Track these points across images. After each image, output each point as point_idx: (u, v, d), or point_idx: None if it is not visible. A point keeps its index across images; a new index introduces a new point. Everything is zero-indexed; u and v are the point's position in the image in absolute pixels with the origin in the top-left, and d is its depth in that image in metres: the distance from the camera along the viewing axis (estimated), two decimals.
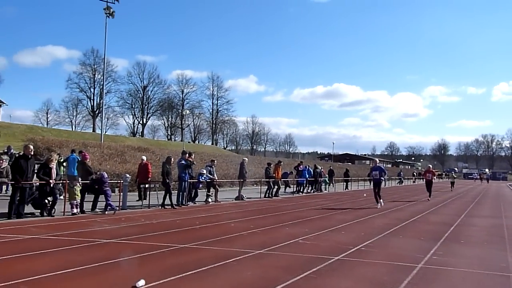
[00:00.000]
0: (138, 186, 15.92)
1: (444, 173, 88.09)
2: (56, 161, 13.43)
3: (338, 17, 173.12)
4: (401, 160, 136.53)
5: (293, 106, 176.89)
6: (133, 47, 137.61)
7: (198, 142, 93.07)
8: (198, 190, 16.71)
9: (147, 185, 15.30)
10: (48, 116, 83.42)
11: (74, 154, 13.21)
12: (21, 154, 11.30)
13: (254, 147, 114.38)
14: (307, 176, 26.09)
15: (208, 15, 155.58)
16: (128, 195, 13.95)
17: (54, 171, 11.06)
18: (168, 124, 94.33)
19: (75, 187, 11.62)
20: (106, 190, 12.11)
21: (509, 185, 62.44)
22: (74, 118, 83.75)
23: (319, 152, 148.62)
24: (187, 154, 15.45)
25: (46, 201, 11.07)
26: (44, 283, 4.95)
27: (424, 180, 24.96)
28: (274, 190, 21.28)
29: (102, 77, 70.23)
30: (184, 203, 14.80)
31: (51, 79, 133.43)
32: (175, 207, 14.01)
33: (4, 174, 12.55)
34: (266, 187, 21.09)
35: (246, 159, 21.82)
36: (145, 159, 16.68)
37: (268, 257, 6.78)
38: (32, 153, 10.80)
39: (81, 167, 12.11)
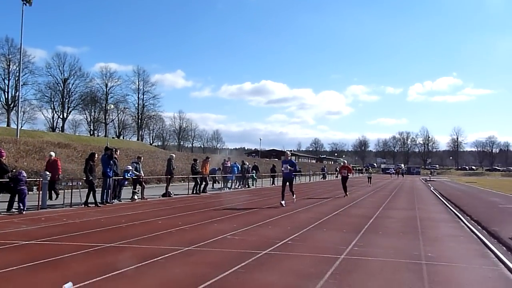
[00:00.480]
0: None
1: (364, 168, 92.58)
2: None
3: (266, 15, 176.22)
4: (325, 156, 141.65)
5: (220, 102, 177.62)
6: (53, 37, 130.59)
7: (123, 138, 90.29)
8: (124, 187, 16.26)
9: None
10: None
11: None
12: None
13: (181, 143, 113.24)
14: (236, 172, 26.30)
15: (134, 7, 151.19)
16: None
17: None
18: (90, 118, 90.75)
19: None
20: (22, 189, 11.43)
21: (422, 179, 67.06)
22: None
23: (246, 148, 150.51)
24: (112, 150, 14.94)
25: None
26: None
27: (340, 176, 24.44)
28: (202, 186, 21.24)
29: (17, 68, 65.93)
30: (108, 200, 14.33)
31: None
32: (99, 205, 13.53)
33: None
34: (193, 183, 21.01)
35: (174, 155, 21.59)
36: (54, 155, 15.72)
37: (197, 254, 6.79)
38: None
39: None
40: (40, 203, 12.41)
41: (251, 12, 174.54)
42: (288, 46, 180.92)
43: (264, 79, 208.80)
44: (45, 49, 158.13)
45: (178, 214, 12.00)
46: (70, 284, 4.74)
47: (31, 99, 79.69)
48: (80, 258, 6.29)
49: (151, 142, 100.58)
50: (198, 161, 22.48)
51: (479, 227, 11.25)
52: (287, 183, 15.37)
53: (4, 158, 11.89)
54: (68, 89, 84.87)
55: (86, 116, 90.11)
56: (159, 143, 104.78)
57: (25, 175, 11.88)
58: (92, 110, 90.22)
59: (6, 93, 74.73)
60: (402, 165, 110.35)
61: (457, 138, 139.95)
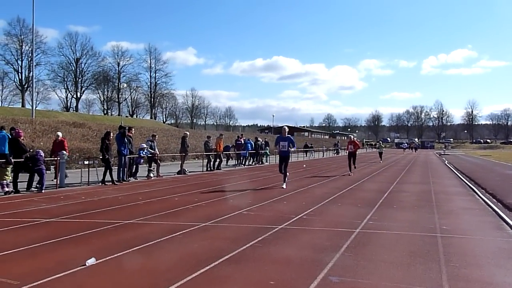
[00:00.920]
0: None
1: (378, 143, 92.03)
2: None
3: None
4: (338, 131, 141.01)
5: (232, 79, 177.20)
6: (64, 17, 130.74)
7: (136, 116, 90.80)
8: (140, 166, 16.47)
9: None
10: None
11: (4, 131, 12.49)
12: None
13: (194, 121, 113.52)
14: (250, 148, 26.39)
15: None
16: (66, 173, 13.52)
17: None
18: (104, 98, 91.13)
19: (7, 167, 11.09)
20: (41, 169, 11.64)
21: (436, 153, 66.59)
22: (0, 93, 78.51)
23: (259, 125, 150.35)
24: (125, 129, 15.06)
25: None
26: None
27: (347, 152, 21.37)
28: (216, 163, 21.41)
29: (30, 49, 66.28)
30: (125, 179, 14.55)
31: None
32: (116, 183, 13.75)
33: None
34: (207, 160, 21.19)
35: (188, 133, 21.73)
36: (61, 135, 15.42)
37: (214, 229, 6.92)
38: None
39: (15, 145, 11.52)
40: (58, 182, 12.66)
41: None
42: (300, 21, 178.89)
43: (276, 55, 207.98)
44: (56, 28, 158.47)
45: (194, 191, 12.16)
46: (93, 259, 4.89)
47: (45, 80, 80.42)
48: (101, 234, 6.45)
49: (164, 120, 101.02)
50: (211, 138, 22.59)
51: (494, 200, 11.22)
52: (284, 162, 13.64)
53: (22, 138, 12.08)
54: (80, 69, 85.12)
55: (99, 96, 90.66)
56: (172, 121, 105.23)
57: (43, 155, 12.07)
58: (105, 89, 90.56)
59: (19, 73, 75.31)
60: (416, 139, 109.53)
61: (472, 111, 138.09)
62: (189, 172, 18.90)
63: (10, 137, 11.71)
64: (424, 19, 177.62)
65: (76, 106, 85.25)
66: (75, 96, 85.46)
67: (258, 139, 28.94)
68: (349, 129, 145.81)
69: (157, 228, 6.92)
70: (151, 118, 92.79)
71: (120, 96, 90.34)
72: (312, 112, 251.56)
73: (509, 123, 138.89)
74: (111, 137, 14.33)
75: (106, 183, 13.52)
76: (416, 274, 4.68)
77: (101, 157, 14.19)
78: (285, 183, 13.40)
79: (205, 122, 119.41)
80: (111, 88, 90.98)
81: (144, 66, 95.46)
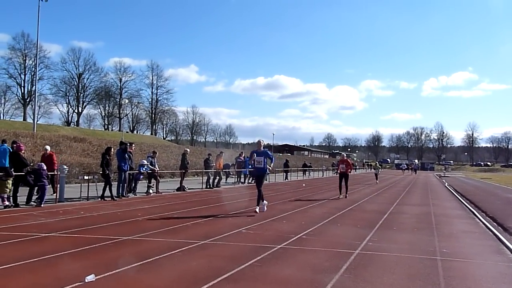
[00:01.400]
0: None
1: (374, 163, 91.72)
2: None
3: (280, 10, 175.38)
4: (337, 151, 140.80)
5: (233, 96, 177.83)
6: (68, 32, 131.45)
7: (137, 132, 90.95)
8: (139, 182, 16.45)
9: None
10: None
11: (5, 144, 12.53)
12: None
13: (195, 138, 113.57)
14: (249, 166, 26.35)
15: (147, 2, 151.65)
16: (66, 187, 13.49)
17: None
18: (105, 113, 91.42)
19: (7, 180, 11.09)
20: (44, 184, 11.64)
21: (436, 174, 66.48)
22: (2, 106, 78.69)
23: None
24: (127, 145, 15.10)
25: None
26: None
27: (337, 172, 18.69)
28: (216, 180, 21.39)
29: (33, 63, 66.86)
30: (124, 194, 14.52)
31: None
32: (115, 199, 13.72)
33: None
34: (207, 177, 21.17)
35: (188, 150, 21.77)
36: (49, 149, 14.77)
37: (213, 247, 6.89)
38: None
39: (16, 158, 11.53)
40: (57, 196, 12.64)
41: (265, 7, 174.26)
42: (301, 40, 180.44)
43: (277, 73, 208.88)
44: (60, 44, 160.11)
45: (193, 208, 12.12)
46: (92, 276, 4.86)
47: (47, 94, 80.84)
48: (99, 250, 6.42)
49: (165, 137, 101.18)
50: (211, 156, 22.62)
51: (495, 223, 11.18)
52: (261, 179, 11.89)
53: (23, 152, 12.09)
54: (82, 84, 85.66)
55: (101, 111, 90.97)
56: (173, 138, 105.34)
57: (45, 168, 12.07)
58: (107, 105, 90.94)
59: (22, 87, 75.93)
60: (416, 160, 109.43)
61: (472, 134, 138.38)
62: (189, 189, 18.86)
63: (11, 150, 11.73)
64: (425, 41, 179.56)
65: (77, 121, 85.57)
66: (76, 110, 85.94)
67: None
68: (349, 149, 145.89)
69: (156, 245, 6.89)
70: (151, 134, 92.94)
71: (121, 111, 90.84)
72: (313, 131, 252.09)
73: (509, 146, 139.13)
74: (112, 153, 14.35)
75: (106, 199, 13.49)
76: None
77: (101, 172, 14.19)
78: (259, 207, 11.50)
79: (205, 139, 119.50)
80: (112, 104, 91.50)
81: (146, 82, 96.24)
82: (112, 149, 14.57)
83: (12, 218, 9.36)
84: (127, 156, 14.59)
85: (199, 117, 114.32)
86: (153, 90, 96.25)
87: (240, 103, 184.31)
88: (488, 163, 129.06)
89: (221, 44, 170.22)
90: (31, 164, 13.49)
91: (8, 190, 11.18)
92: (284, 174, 34.73)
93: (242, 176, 26.11)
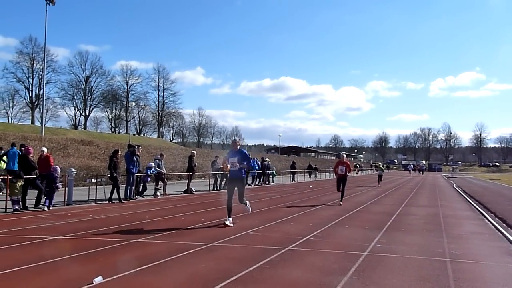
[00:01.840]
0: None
1: (378, 164, 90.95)
2: None
3: (285, 11, 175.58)
4: (344, 152, 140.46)
5: (240, 98, 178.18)
6: (75, 36, 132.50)
7: (144, 135, 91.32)
8: (147, 184, 16.49)
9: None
10: None
11: (15, 148, 12.63)
12: None
13: (201, 140, 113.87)
14: (256, 168, 26.36)
15: (154, 5, 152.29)
16: (74, 190, 13.56)
17: None
18: (112, 116, 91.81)
19: (17, 182, 11.17)
20: (57, 187, 11.73)
21: (443, 175, 66.08)
22: (11, 110, 79.09)
23: (265, 145, 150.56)
24: (135, 147, 15.16)
25: None
26: None
27: (335, 175, 16.17)
28: (223, 182, 21.40)
29: (41, 67, 67.32)
30: (132, 197, 14.57)
31: None
32: (123, 201, 13.77)
33: None
34: (213, 180, 21.21)
35: (195, 152, 21.81)
36: (46, 151, 13.86)
37: (221, 249, 6.89)
38: None
39: (24, 161, 11.61)
40: (66, 199, 12.70)
41: (271, 9, 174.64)
42: (307, 42, 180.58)
43: (283, 75, 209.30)
44: (67, 47, 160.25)
45: (200, 210, 12.14)
46: (100, 278, 4.88)
47: (54, 97, 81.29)
48: (108, 253, 6.44)
49: (171, 139, 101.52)
50: (218, 158, 22.63)
51: (504, 224, 11.09)
52: (236, 187, 9.82)
53: (31, 155, 12.17)
54: (90, 87, 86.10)
55: (108, 114, 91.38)
56: (179, 140, 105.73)
57: (59, 171, 12.13)
58: (113, 108, 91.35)
59: (30, 91, 76.33)
60: (423, 161, 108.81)
61: (480, 134, 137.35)
62: (196, 191, 18.90)
63: (20, 153, 11.81)
64: (432, 42, 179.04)
65: (85, 124, 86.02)
66: (83, 114, 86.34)
67: (265, 159, 28.93)
68: (355, 150, 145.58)
69: (164, 247, 6.90)
70: (158, 136, 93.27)
71: (128, 114, 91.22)
72: (319, 132, 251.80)
73: None
74: (119, 155, 14.41)
75: (113, 201, 13.54)
76: None
77: (108, 175, 14.25)
78: (229, 220, 9.49)
79: (211, 141, 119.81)
80: (119, 107, 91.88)
81: (152, 85, 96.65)
82: (120, 151, 14.63)
83: (21, 221, 9.42)
84: (135, 159, 14.64)
85: (205, 119, 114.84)
86: (159, 93, 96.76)
87: (246, 105, 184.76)
88: (497, 164, 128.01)
89: (227, 46, 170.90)
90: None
91: (18, 192, 11.25)
92: (291, 175, 34.68)
93: (250, 178, 26.11)
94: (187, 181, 19.55)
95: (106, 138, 48.56)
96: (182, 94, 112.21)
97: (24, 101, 77.44)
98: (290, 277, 5.36)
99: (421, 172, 66.56)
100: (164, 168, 17.54)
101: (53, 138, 30.37)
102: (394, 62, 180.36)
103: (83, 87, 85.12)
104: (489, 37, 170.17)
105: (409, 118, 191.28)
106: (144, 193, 15.98)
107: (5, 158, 13.29)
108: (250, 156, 10.98)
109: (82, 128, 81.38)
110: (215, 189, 20.67)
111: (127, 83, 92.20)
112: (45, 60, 45.00)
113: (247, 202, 10.28)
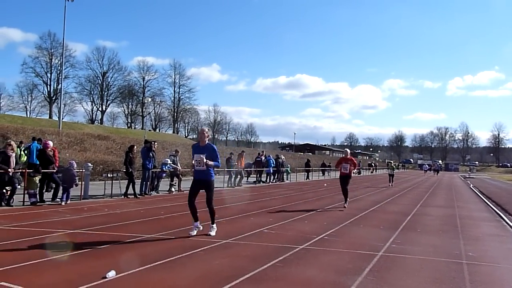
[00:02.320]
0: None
1: (389, 163, 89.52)
2: (17, 148, 13.00)
3: (302, 9, 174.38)
4: (359, 151, 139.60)
5: (255, 95, 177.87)
6: (93, 32, 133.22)
7: (159, 131, 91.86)
8: (162, 180, 16.59)
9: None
10: (1, 101, 79.82)
11: (35, 142, 12.82)
12: None
13: (216, 136, 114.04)
14: (272, 165, 26.34)
15: (171, 1, 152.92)
16: (90, 185, 13.71)
17: (13, 160, 10.70)
18: (128, 111, 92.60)
19: (35, 176, 11.33)
20: (74, 182, 11.87)
21: (460, 176, 65.23)
22: (29, 104, 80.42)
23: (280, 142, 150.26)
24: (151, 143, 15.26)
25: (4, 190, 10.72)
26: (10, 275, 4.84)
27: (339, 173, 13.97)
28: (237, 180, 21.44)
29: (59, 62, 68.40)
30: (147, 192, 14.68)
31: (4, 63, 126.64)
32: (139, 196, 13.88)
33: None
34: (228, 176, 21.24)
35: None
36: (51, 144, 13.64)
37: (235, 247, 6.89)
38: None
39: (42, 155, 11.77)
40: (82, 194, 12.85)
41: (287, 6, 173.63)
42: (324, 39, 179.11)
43: (299, 72, 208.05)
44: (85, 43, 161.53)
45: (215, 207, 12.11)
46: (113, 272, 4.92)
47: (72, 92, 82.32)
48: (122, 248, 6.49)
49: (186, 135, 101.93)
50: (233, 155, 22.67)
51: None
52: (202, 189, 8.14)
53: (49, 149, 12.32)
54: (107, 83, 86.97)
55: (124, 109, 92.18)
56: (194, 136, 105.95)
57: (75, 166, 12.28)
58: (130, 103, 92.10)
59: (48, 86, 77.56)
60: (440, 161, 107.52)
61: (498, 134, 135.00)
62: None
63: (40, 148, 11.98)
64: (450, 40, 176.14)
65: (101, 119, 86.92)
66: (100, 109, 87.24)
67: (280, 156, 28.89)
68: (371, 149, 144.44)
69: (178, 243, 6.94)
70: (173, 132, 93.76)
71: (144, 110, 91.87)
72: (334, 130, 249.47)
73: None
74: (135, 151, 14.51)
75: (129, 196, 13.65)
76: None
77: (124, 170, 14.37)
78: (213, 229, 8.02)
79: (226, 138, 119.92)
80: (135, 102, 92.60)
81: (168, 81, 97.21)
82: (135, 147, 14.73)
83: (39, 214, 9.55)
84: (151, 154, 14.74)
85: (220, 116, 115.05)
86: (175, 89, 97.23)
87: (261, 102, 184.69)
88: None
89: (243, 43, 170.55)
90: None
91: (35, 186, 11.41)
92: (305, 173, 34.57)
93: (266, 175, 26.10)
94: None
95: (122, 133, 48.96)
96: (197, 91, 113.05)
97: (43, 95, 78.77)
98: (304, 276, 5.34)
99: (436, 172, 65.13)
100: (179, 164, 17.62)
101: (70, 132, 30.75)
102: (412, 61, 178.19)
103: (100, 82, 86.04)
104: (508, 36, 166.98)
105: (426, 117, 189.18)
106: (159, 189, 16.09)
107: (25, 152, 13.50)
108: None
109: (98, 123, 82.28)
110: (229, 186, 20.71)
111: (143, 79, 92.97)
112: (64, 56, 45.54)
113: (214, 225, 8.12)
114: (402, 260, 6.45)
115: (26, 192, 11.20)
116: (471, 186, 32.28)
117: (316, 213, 11.74)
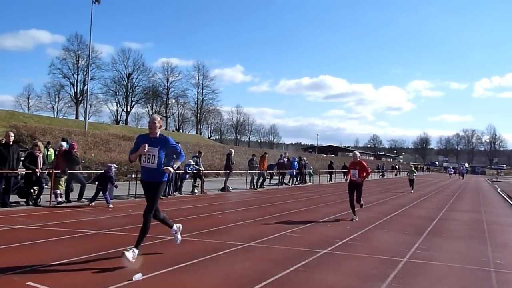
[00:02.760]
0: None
1: (425, 167, 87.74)
2: (45, 149, 13.29)
3: (326, 9, 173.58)
4: (383, 153, 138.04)
5: (278, 96, 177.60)
6: (119, 34, 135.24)
7: (182, 131, 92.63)
8: (184, 181, 16.72)
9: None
10: (29, 101, 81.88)
11: (64, 142, 13.06)
12: (2, 141, 11.17)
13: (239, 137, 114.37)
14: (295, 167, 26.25)
15: (196, 4, 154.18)
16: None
17: (40, 160, 10.94)
18: (152, 112, 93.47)
19: (61, 177, 11.55)
20: (115, 186, 12.03)
21: (487, 179, 63.72)
22: (56, 104, 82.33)
23: (302, 144, 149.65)
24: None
25: (32, 190, 10.97)
26: (36, 275, 4.95)
27: (348, 180, 11.58)
28: (260, 181, 21.43)
29: (85, 63, 69.76)
30: (170, 193, 14.81)
31: (33, 64, 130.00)
32: (162, 197, 14.00)
33: None
34: (250, 178, 21.27)
35: (233, 150, 21.92)
36: (65, 145, 13.21)
37: (257, 250, 6.88)
38: (12, 140, 10.57)
39: (68, 156, 12.00)
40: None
41: (312, 7, 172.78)
42: (348, 40, 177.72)
43: (322, 74, 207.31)
44: (111, 45, 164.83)
45: (237, 209, 12.19)
46: (139, 275, 4.97)
47: (98, 93, 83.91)
48: (147, 249, 6.54)
49: (209, 136, 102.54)
50: (256, 156, 22.69)
51: None
52: (151, 194, 6.16)
53: (75, 150, 12.55)
54: (131, 84, 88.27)
55: (148, 110, 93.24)
56: (217, 137, 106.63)
57: (113, 169, 12.31)
58: (154, 104, 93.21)
59: (75, 87, 79.30)
60: (466, 164, 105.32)
61: None
62: (233, 189, 19.01)
63: (67, 148, 12.21)
64: (477, 41, 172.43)
65: (126, 120, 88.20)
66: (125, 109, 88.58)
67: (302, 158, 28.77)
68: (395, 151, 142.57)
69: (201, 246, 6.97)
70: (196, 133, 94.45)
71: (167, 111, 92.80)
72: (357, 132, 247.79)
73: None
74: None
75: None
76: None
77: None
78: (179, 238, 6.72)
79: (249, 139, 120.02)
80: (159, 103, 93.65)
81: (192, 82, 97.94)
82: None
83: (64, 215, 9.74)
84: (175, 156, 14.83)
85: (243, 117, 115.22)
86: (199, 90, 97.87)
87: (284, 103, 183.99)
88: None
89: (267, 44, 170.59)
90: (83, 161, 13.96)
91: (61, 187, 11.63)
92: (328, 175, 34.35)
93: (289, 177, 26.03)
94: (224, 178, 19.69)
95: None
96: (221, 92, 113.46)
97: (69, 96, 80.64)
98: (327, 281, 5.29)
99: (462, 176, 62.77)
100: (202, 166, 17.74)
101: (96, 133, 31.30)
102: (437, 62, 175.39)
103: (125, 83, 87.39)
104: None
105: (452, 119, 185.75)
106: (182, 190, 16.21)
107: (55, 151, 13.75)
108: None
109: (123, 123, 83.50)
110: (252, 187, 20.73)
111: (167, 80, 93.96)
112: (90, 57, 46.43)
113: (177, 226, 6.70)
114: (428, 267, 6.33)
115: (52, 192, 11.43)
116: (498, 190, 31.49)
117: (339, 217, 11.63)
